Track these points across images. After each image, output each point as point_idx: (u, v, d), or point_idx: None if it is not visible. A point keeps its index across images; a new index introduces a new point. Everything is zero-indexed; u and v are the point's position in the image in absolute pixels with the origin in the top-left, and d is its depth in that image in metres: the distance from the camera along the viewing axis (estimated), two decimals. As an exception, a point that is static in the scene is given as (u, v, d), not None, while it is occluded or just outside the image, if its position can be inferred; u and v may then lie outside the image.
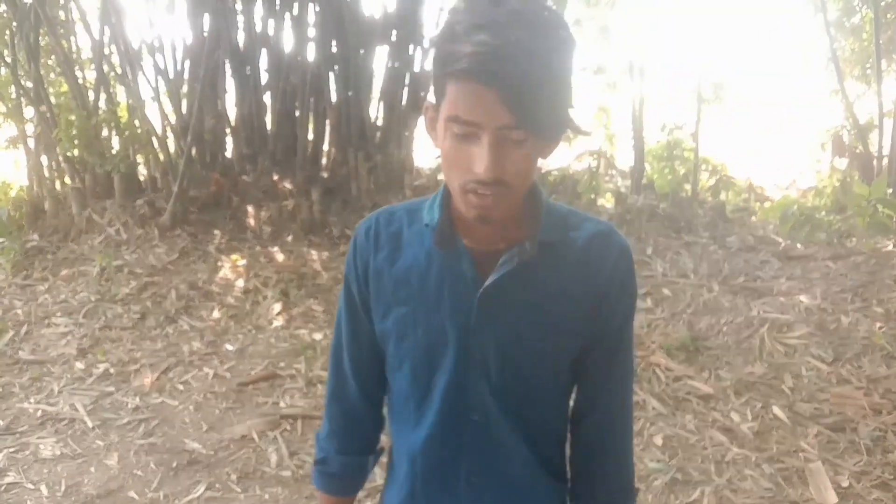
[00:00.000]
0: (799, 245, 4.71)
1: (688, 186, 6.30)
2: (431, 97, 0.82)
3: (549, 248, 0.88)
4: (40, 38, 5.47)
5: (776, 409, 2.91)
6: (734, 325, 3.66)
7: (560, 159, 8.22)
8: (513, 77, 0.71)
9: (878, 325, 3.50)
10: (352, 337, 1.01)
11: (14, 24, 5.37)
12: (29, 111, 5.79)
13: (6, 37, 5.60)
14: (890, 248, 4.50)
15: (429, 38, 5.76)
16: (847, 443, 2.69)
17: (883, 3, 6.16)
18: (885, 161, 5.84)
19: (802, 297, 3.87)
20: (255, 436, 2.86)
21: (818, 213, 5.04)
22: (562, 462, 1.00)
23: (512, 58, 0.70)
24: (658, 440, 2.76)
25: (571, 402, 1.01)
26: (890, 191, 5.02)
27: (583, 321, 0.90)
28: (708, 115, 6.67)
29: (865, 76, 6.95)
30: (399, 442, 1.00)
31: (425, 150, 6.37)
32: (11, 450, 2.80)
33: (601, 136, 7.02)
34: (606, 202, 6.09)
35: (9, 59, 5.55)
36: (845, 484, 2.45)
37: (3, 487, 2.57)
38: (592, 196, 5.89)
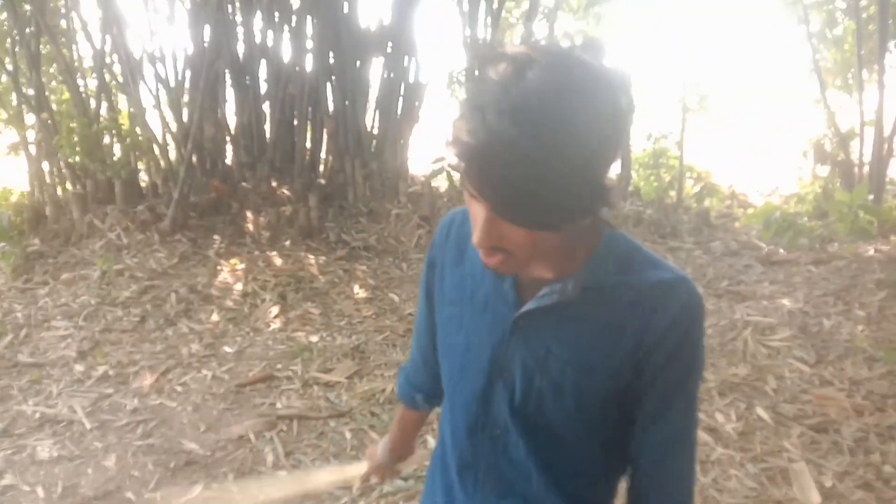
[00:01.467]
0: (781, 250, 4.78)
1: (673, 193, 6.38)
2: None
3: (594, 290, 0.83)
4: (41, 46, 5.54)
5: (760, 410, 2.94)
6: (718, 327, 3.72)
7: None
8: (482, 175, 0.67)
9: (860, 327, 3.55)
10: (426, 318, 1.08)
11: (15, 32, 5.44)
12: (30, 118, 5.85)
13: (7, 45, 5.66)
14: (871, 252, 4.56)
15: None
16: (830, 443, 2.70)
17: (864, 15, 6.29)
18: (866, 168, 5.90)
19: (785, 301, 3.94)
20: (252, 436, 2.89)
21: (800, 219, 5.07)
22: (591, 496, 0.96)
23: (484, 156, 0.66)
24: (644, 439, 2.82)
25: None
26: (871, 197, 5.09)
27: (620, 368, 0.84)
28: (692, 124, 6.78)
29: (847, 86, 7.06)
30: (441, 440, 1.08)
31: (420, 158, 6.47)
32: (8, 452, 2.79)
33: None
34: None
35: (10, 67, 5.62)
36: (829, 484, 2.46)
37: (-1, 489, 2.57)
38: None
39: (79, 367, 3.52)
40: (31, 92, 5.54)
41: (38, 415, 3.08)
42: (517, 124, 0.64)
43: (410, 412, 1.25)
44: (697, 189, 6.48)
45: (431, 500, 1.08)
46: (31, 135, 5.92)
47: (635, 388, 0.85)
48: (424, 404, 1.21)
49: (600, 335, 0.84)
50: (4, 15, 5.73)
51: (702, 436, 2.81)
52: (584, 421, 0.88)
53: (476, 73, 0.75)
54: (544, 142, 0.64)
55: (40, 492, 2.56)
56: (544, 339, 0.86)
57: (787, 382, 3.17)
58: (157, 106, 5.59)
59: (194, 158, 5.43)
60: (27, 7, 5.32)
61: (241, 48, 5.73)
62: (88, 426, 2.98)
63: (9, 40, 5.61)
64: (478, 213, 0.73)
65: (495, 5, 6.21)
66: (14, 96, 5.82)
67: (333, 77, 5.81)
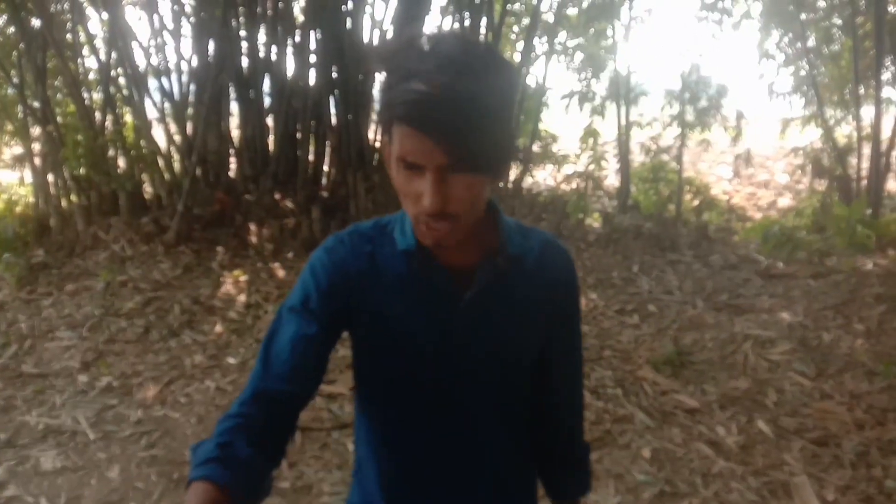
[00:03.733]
0: (780, 264, 4.79)
1: (672, 207, 6.41)
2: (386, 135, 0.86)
3: (515, 260, 0.95)
4: (47, 59, 5.60)
5: (760, 424, 2.95)
6: (718, 340, 3.74)
7: (549, 181, 8.35)
8: (442, 122, 0.76)
9: (860, 341, 3.58)
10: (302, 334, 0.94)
11: (21, 45, 5.50)
12: (36, 130, 5.89)
13: (13, 58, 5.72)
14: (869, 266, 4.59)
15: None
16: (831, 457, 2.72)
17: (861, 32, 6.38)
18: (864, 183, 5.95)
19: (784, 314, 3.96)
20: (256, 447, 2.91)
21: (799, 233, 5.13)
22: (529, 448, 1.11)
23: (441, 104, 0.75)
24: (646, 453, 2.81)
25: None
26: (869, 211, 5.15)
27: (546, 319, 1.01)
28: (691, 138, 6.80)
29: (844, 101, 7.13)
30: (372, 463, 1.02)
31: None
32: (12, 463, 2.79)
33: (588, 159, 7.14)
34: (594, 222, 6.19)
35: (16, 80, 5.67)
36: (830, 498, 2.47)
37: (2, 501, 2.56)
38: (580, 216, 6.00)
39: (83, 378, 3.52)
40: (36, 104, 5.58)
41: (41, 425, 3.08)
42: (452, 73, 0.75)
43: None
44: (696, 202, 6.51)
45: None
46: (36, 147, 5.96)
47: (554, 332, 1.02)
48: (270, 488, 0.88)
49: (527, 295, 0.96)
50: (12, 28, 5.79)
51: (703, 449, 2.83)
52: (527, 378, 1.03)
53: (391, 51, 0.82)
54: (476, 84, 0.76)
55: (44, 503, 2.57)
56: (490, 318, 0.94)
57: (787, 396, 3.19)
58: (162, 119, 5.63)
59: (198, 171, 5.46)
60: (35, 21, 5.38)
61: (245, 62, 5.78)
62: (92, 437, 2.98)
63: (15, 53, 5.67)
64: (424, 182, 0.80)
65: (496, 20, 6.29)
66: (20, 109, 5.87)
67: (336, 91, 5.86)
